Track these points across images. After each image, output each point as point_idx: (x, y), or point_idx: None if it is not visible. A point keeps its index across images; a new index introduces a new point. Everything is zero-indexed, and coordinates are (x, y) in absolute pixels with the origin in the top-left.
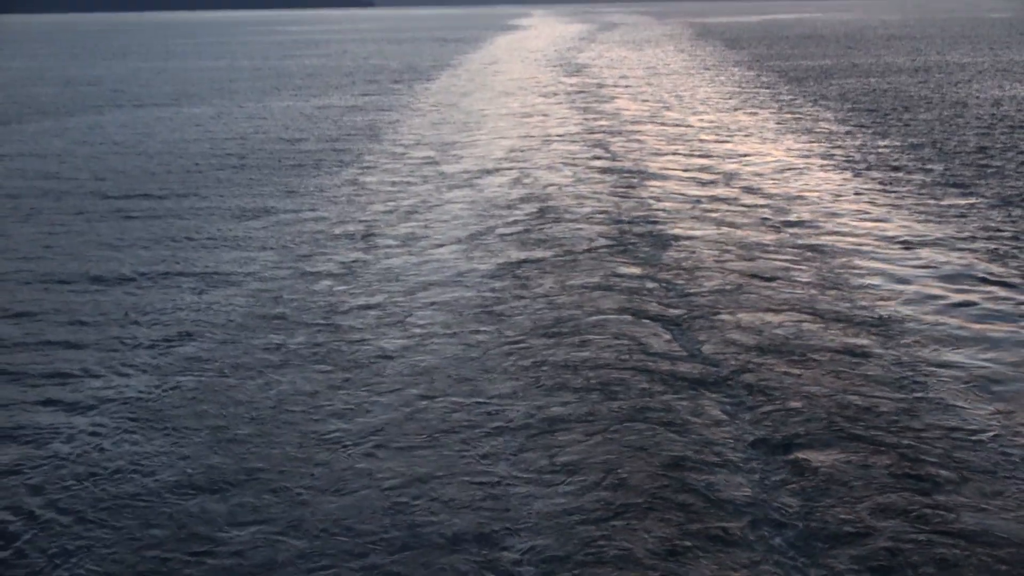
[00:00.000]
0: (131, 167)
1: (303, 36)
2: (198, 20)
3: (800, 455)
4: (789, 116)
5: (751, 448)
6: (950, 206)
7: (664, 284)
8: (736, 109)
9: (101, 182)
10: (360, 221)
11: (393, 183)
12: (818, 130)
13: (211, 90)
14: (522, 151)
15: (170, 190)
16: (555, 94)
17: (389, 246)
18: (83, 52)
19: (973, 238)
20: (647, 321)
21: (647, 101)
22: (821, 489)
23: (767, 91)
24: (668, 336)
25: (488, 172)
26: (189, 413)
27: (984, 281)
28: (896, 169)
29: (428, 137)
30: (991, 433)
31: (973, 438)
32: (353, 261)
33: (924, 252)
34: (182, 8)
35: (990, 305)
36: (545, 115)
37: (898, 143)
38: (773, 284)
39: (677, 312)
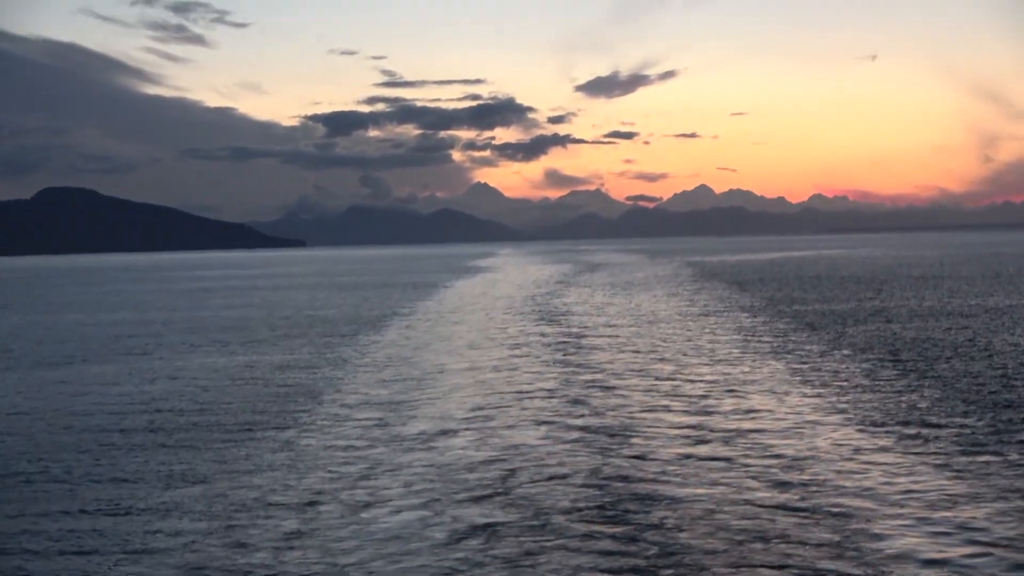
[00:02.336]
0: (32, 435)
1: (224, 282)
2: (94, 265)
3: None
4: (802, 367)
5: None
6: (978, 465)
7: (648, 550)
8: (740, 360)
9: None
10: (300, 488)
11: (338, 447)
12: (834, 383)
13: (114, 347)
14: (488, 409)
15: (81, 459)
16: (527, 345)
17: (333, 515)
18: None
19: (1002, 498)
20: None
21: (637, 352)
22: None
23: (777, 339)
24: None
25: (448, 433)
26: None
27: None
28: (919, 425)
29: (377, 396)
30: None
31: None
32: (292, 532)
33: (947, 515)
34: (71, 251)
35: None
36: (515, 369)
37: (923, 397)
38: (776, 550)
39: None
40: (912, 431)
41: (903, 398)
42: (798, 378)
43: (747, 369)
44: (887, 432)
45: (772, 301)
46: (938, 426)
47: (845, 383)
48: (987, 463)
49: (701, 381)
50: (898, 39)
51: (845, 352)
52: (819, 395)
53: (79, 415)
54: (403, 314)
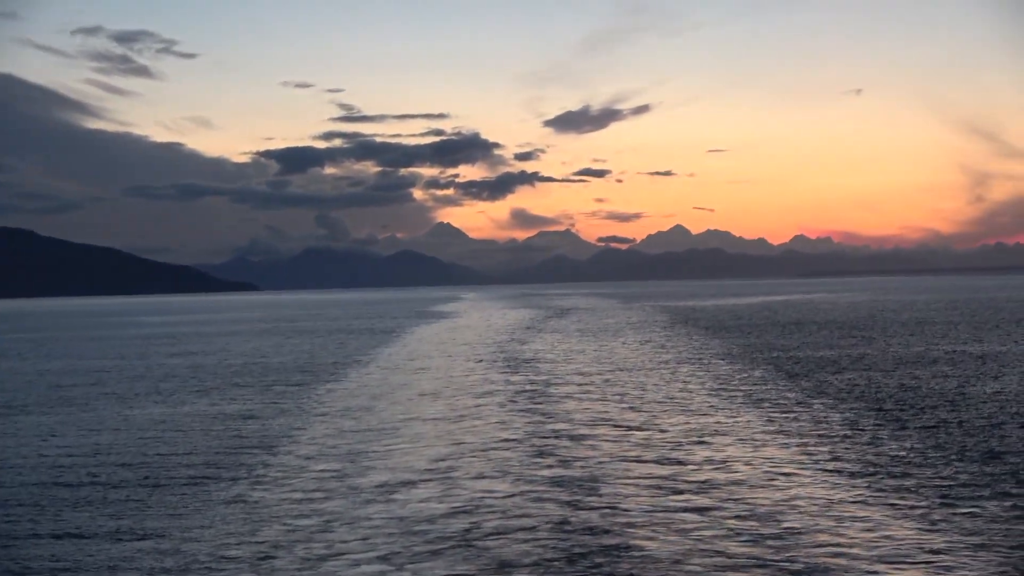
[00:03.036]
0: None
1: (170, 328)
2: (31, 310)
3: None
4: (778, 417)
5: None
6: (959, 517)
7: None
8: (715, 409)
9: None
10: (255, 542)
11: (293, 499)
12: (812, 433)
13: (53, 397)
14: (450, 460)
15: (20, 515)
16: (492, 394)
17: (289, 570)
18: None
19: (982, 551)
20: None
21: (607, 400)
22: None
23: (754, 387)
24: None
25: (409, 484)
26: None
27: None
28: (899, 476)
29: (335, 446)
30: None
31: None
32: None
33: (926, 569)
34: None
35: None
36: (479, 419)
37: (904, 447)
38: None
39: None
40: (892, 482)
41: (883, 448)
42: (774, 428)
43: (722, 419)
44: (866, 484)
45: (749, 348)
46: (919, 477)
47: (823, 433)
48: (968, 514)
49: (673, 431)
50: (884, 73)
51: (824, 401)
52: (796, 445)
53: (17, 469)
54: (361, 362)
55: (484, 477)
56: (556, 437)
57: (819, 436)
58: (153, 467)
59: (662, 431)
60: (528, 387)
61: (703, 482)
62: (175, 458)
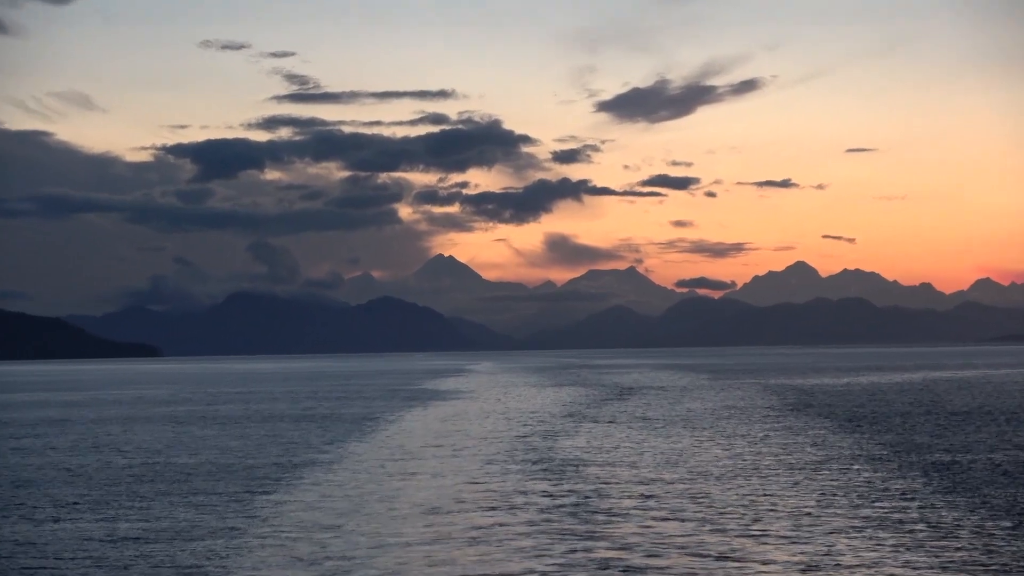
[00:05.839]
0: None
1: (32, 411)
2: None
3: None
4: (937, 546)
5: None
6: None
7: None
8: (841, 534)
9: None
10: None
11: None
12: (993, 568)
13: None
14: None
15: None
16: (516, 509)
17: None
18: None
19: None
20: None
21: (683, 521)
22: None
23: (901, 505)
24: None
25: None
26: None
27: None
28: None
29: None
30: None
31: None
32: None
33: None
34: None
35: None
36: (497, 544)
37: None
38: None
39: None
40: None
41: None
42: (930, 559)
43: (849, 548)
44: None
45: (898, 448)
46: None
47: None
48: None
49: (781, 564)
50: None
51: (1008, 525)
52: None
53: None
54: (322, 463)
55: None
56: (606, 569)
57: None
58: None
59: (763, 564)
60: (567, 500)
61: None
62: None
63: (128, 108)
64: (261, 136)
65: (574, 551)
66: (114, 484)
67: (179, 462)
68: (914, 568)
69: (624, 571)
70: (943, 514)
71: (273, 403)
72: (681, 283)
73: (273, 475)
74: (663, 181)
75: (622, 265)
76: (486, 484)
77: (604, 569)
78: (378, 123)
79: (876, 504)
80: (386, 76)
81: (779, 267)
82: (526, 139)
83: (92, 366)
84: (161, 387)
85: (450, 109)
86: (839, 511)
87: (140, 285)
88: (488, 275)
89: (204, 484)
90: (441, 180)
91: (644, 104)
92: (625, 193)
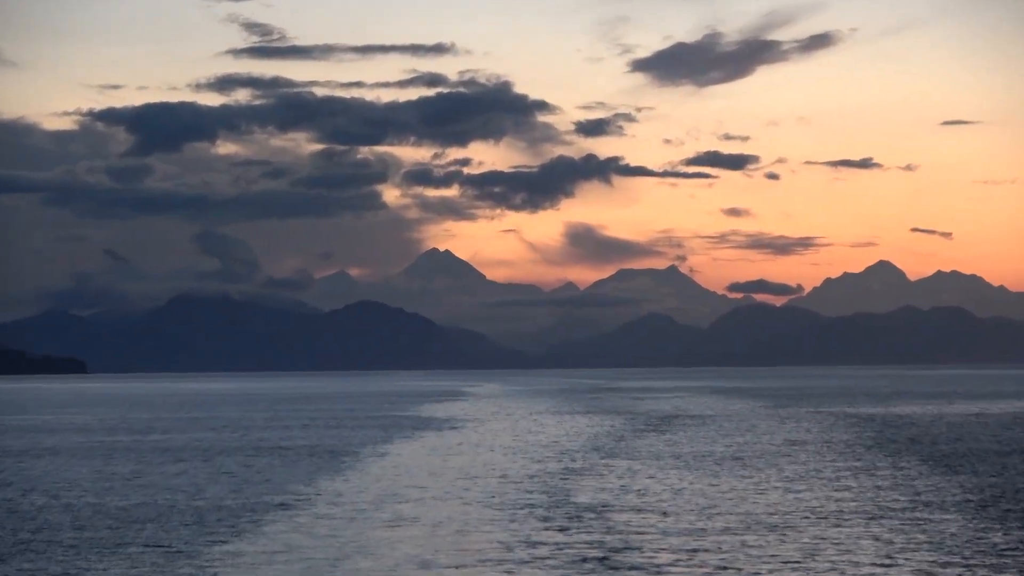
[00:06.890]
0: None
1: None
2: None
3: None
4: None
5: None
6: None
7: None
8: None
9: None
10: None
11: None
12: None
13: None
14: None
15: None
16: (525, 564)
17: None
18: None
19: None
20: None
21: None
22: None
23: (1008, 560)
24: None
25: None
26: None
27: None
28: None
29: None
30: None
31: None
32: None
33: None
34: None
35: None
36: None
37: None
38: None
39: None
40: None
41: None
42: None
43: None
44: None
45: (1002, 493)
46: None
47: None
48: None
49: None
50: None
51: None
52: None
53: None
54: (291, 506)
55: None
56: None
57: None
58: None
59: None
60: (588, 552)
61: None
62: None
63: (47, 63)
64: (213, 99)
65: None
66: (32, 531)
67: (109, 504)
68: None
69: None
70: None
71: (225, 432)
72: (734, 287)
73: (226, 520)
74: (713, 160)
75: (661, 264)
76: (485, 531)
77: None
78: (359, 84)
79: (970, 561)
80: (369, 26)
81: (857, 268)
82: (542, 106)
83: (1, 384)
84: (87, 411)
85: (448, 68)
86: (922, 567)
87: (61, 284)
88: (494, 275)
89: (139, 532)
90: (436, 156)
91: (690, 63)
92: (665, 174)
